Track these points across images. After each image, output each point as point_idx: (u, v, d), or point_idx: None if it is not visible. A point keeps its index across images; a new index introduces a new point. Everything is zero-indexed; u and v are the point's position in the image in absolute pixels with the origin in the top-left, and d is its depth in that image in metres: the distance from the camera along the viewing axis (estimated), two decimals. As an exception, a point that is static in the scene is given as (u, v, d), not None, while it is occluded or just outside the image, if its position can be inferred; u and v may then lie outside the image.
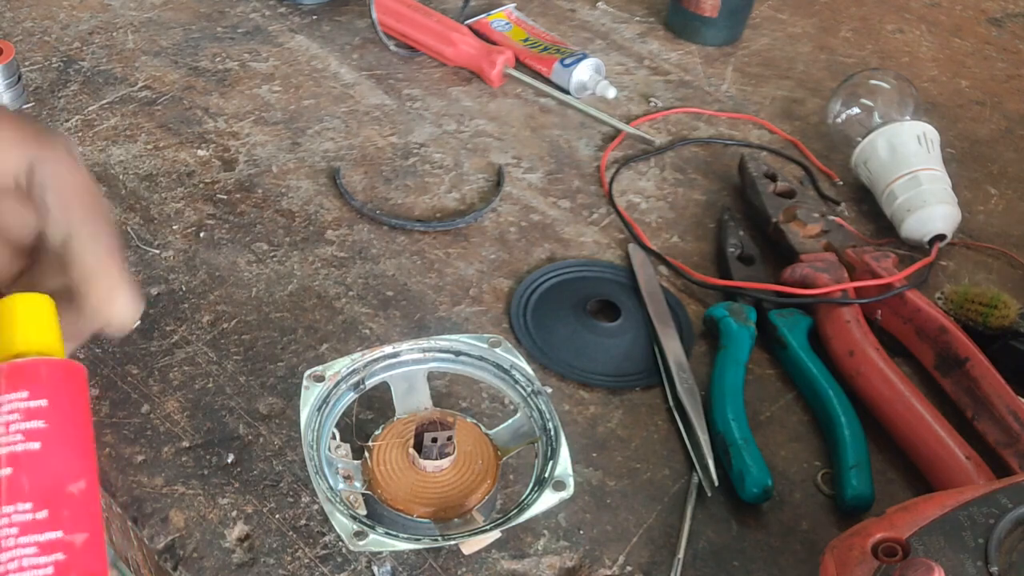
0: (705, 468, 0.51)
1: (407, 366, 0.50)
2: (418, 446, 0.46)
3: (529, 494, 0.45)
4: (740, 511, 0.50)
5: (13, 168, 0.37)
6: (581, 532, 0.48)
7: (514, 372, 0.49)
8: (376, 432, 0.47)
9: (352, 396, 0.49)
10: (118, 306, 0.37)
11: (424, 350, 0.50)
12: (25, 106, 0.70)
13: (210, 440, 0.51)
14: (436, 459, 0.45)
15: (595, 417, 0.54)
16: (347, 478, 0.46)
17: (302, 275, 0.60)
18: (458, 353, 0.50)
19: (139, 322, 0.56)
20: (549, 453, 0.46)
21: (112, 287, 0.37)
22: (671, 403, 0.55)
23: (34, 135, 0.37)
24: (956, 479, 0.50)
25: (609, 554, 0.48)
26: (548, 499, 0.44)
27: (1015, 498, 0.41)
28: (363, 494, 0.46)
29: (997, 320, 0.58)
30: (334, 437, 0.47)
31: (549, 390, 0.54)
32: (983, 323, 0.58)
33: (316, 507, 0.48)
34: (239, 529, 0.47)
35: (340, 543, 0.46)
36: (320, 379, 0.47)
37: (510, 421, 0.49)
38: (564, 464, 0.45)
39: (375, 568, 0.45)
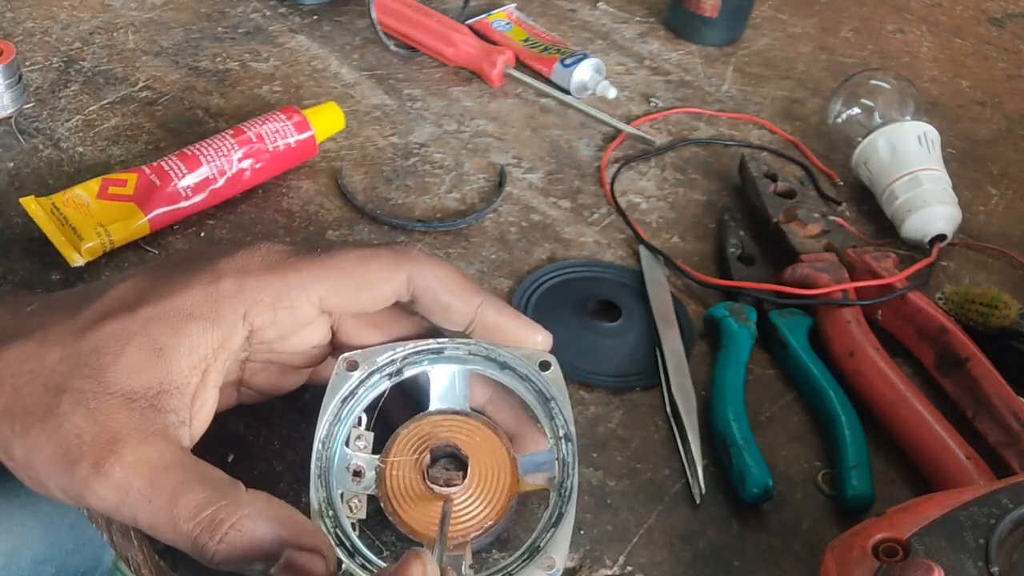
0: (694, 475, 0.51)
1: (449, 362, 0.47)
2: (428, 467, 0.44)
3: (517, 560, 0.42)
4: (740, 511, 0.50)
5: (399, 288, 0.44)
6: (581, 532, 0.48)
7: (553, 407, 0.45)
8: (397, 433, 0.45)
9: (387, 385, 0.46)
10: (540, 336, 0.46)
11: (470, 352, 0.46)
12: (26, 106, 0.70)
13: (210, 440, 0.51)
14: (443, 486, 0.44)
15: (596, 417, 0.54)
16: (357, 474, 0.44)
17: (302, 275, 0.60)
18: (503, 365, 0.46)
19: None
20: (554, 518, 0.43)
21: (523, 326, 0.46)
22: (668, 408, 0.54)
23: (398, 255, 0.45)
24: (956, 479, 0.50)
25: (610, 554, 0.48)
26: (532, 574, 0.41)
27: (1016, 498, 0.41)
28: (368, 495, 0.44)
29: (997, 320, 0.58)
30: (359, 424, 0.45)
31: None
32: (983, 323, 0.58)
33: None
34: (240, 529, 0.47)
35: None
36: (354, 367, 0.45)
37: (540, 452, 0.46)
38: (563, 540, 0.42)
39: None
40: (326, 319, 0.45)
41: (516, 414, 0.47)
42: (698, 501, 0.50)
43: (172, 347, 0.40)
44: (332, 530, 0.42)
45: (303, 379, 0.48)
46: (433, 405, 0.47)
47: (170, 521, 0.38)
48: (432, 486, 0.44)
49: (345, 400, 0.45)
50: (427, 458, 0.44)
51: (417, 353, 0.46)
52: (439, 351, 0.46)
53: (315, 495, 0.42)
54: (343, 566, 0.40)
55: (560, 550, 0.42)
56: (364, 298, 0.44)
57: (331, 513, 0.42)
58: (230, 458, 0.50)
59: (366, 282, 0.44)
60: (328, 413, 0.44)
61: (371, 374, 0.45)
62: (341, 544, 0.41)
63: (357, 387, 0.45)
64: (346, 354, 0.45)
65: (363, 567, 0.41)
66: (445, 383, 0.47)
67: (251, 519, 0.38)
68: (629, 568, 0.47)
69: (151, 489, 0.38)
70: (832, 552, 0.40)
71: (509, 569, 0.42)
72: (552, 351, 0.47)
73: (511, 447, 0.46)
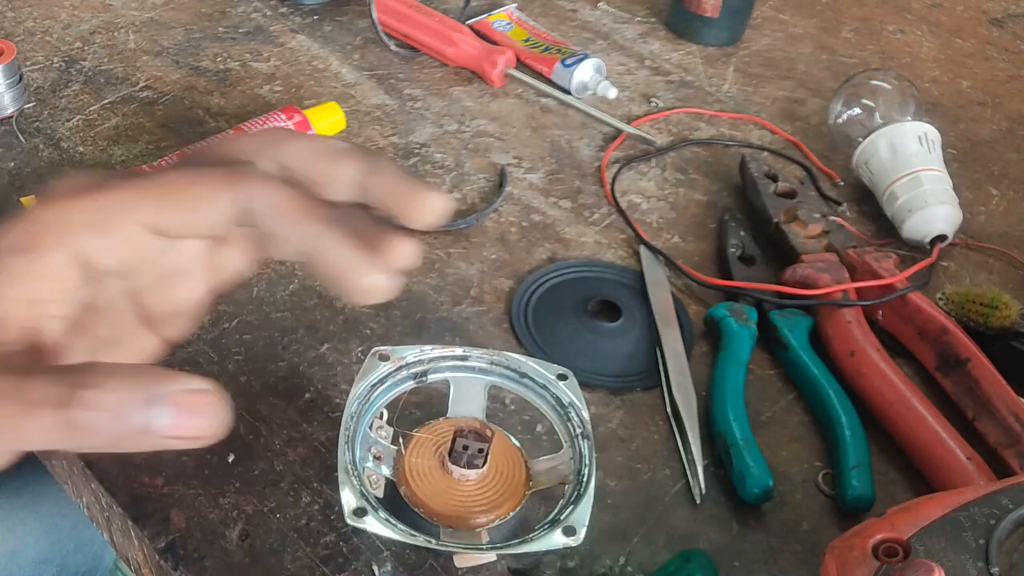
0: (695, 475, 0.51)
1: (472, 372, 0.51)
2: (451, 450, 0.46)
3: (539, 529, 0.44)
4: (741, 511, 0.50)
5: (232, 207, 0.39)
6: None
7: (570, 411, 0.49)
8: (418, 429, 0.48)
9: (411, 384, 0.50)
10: (429, 200, 0.39)
11: (492, 362, 0.51)
12: (26, 106, 0.70)
13: (211, 440, 0.51)
14: (464, 467, 0.46)
15: (596, 417, 0.54)
16: (377, 458, 0.46)
17: (303, 275, 0.60)
18: (523, 375, 0.50)
19: None
20: (574, 497, 0.45)
21: (416, 192, 0.39)
22: (668, 408, 0.54)
23: (232, 175, 0.39)
24: (957, 479, 0.50)
25: (610, 554, 0.48)
26: (554, 540, 0.43)
27: (1016, 499, 0.41)
28: (387, 479, 0.46)
29: (998, 321, 0.58)
30: (381, 416, 0.48)
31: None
32: (984, 324, 0.58)
33: (317, 507, 0.48)
34: (240, 529, 0.47)
35: (341, 543, 0.47)
36: (385, 359, 0.49)
37: (551, 456, 0.49)
38: (583, 511, 0.44)
39: (375, 568, 0.45)
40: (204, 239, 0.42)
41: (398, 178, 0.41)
42: (698, 501, 0.50)
43: None
44: (356, 487, 0.44)
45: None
46: (451, 411, 0.49)
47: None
48: (452, 467, 0.46)
49: (374, 386, 0.48)
50: (447, 443, 0.47)
51: (443, 358, 0.50)
52: (464, 358, 0.50)
53: (342, 456, 0.44)
54: (368, 515, 0.42)
55: (581, 520, 0.44)
56: (193, 219, 0.40)
57: (356, 473, 0.44)
58: (230, 458, 0.50)
59: (191, 200, 0.39)
60: (358, 395, 0.47)
61: (399, 368, 0.49)
62: (364, 498, 0.43)
63: (386, 377, 0.48)
64: (378, 348, 0.49)
65: (385, 521, 0.43)
66: (463, 392, 0.50)
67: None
68: (630, 568, 0.47)
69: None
70: (832, 552, 0.40)
71: (530, 537, 0.44)
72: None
73: (524, 453, 0.48)
